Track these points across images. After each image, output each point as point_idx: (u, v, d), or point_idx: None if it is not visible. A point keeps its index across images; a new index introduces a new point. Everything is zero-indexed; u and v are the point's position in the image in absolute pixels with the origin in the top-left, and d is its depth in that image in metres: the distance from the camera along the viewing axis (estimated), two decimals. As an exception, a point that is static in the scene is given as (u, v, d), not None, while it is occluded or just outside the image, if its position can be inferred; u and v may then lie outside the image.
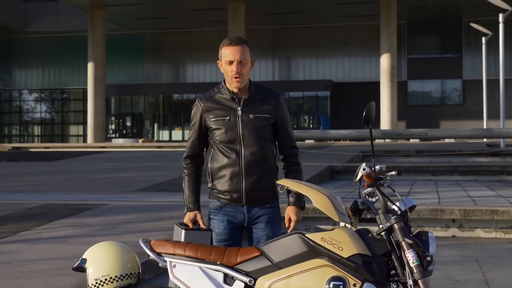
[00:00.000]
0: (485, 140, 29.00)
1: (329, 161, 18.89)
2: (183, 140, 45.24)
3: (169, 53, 48.14)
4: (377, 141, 31.57)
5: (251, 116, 3.87)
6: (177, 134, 48.26)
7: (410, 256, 3.13)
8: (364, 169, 3.26)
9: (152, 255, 3.34)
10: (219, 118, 3.85)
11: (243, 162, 3.84)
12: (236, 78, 3.84)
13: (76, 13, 43.52)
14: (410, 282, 3.13)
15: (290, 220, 3.96)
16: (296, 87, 46.69)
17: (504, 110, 27.27)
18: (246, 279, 3.17)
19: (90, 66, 40.18)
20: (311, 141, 30.43)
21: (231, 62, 3.84)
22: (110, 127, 48.13)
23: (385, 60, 36.30)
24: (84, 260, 3.36)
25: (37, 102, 51.70)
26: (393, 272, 3.22)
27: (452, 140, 29.65)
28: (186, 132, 48.27)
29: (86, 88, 42.68)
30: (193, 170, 3.99)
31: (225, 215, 3.90)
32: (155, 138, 47.85)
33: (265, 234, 3.89)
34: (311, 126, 46.64)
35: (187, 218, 3.91)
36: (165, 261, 3.32)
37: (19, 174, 17.30)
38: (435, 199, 11.81)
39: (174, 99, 49.67)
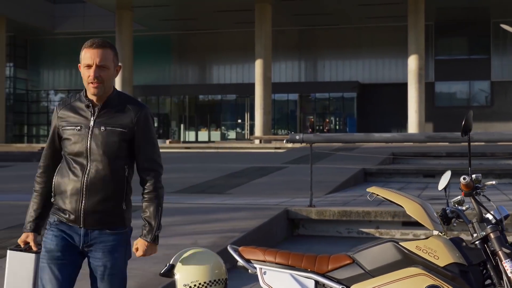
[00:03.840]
0: (516, 142, 28.65)
1: (360, 163, 18.84)
2: (209, 141, 45.34)
3: (195, 54, 48.26)
4: (405, 144, 31.37)
5: (102, 128, 3.46)
6: (203, 135, 48.37)
7: (508, 266, 3.11)
8: (464, 178, 3.25)
9: (241, 262, 3.34)
10: (71, 127, 3.49)
11: (85, 179, 3.42)
12: (92, 83, 3.43)
13: (103, 14, 43.77)
14: None
15: (136, 250, 3.55)
16: (322, 88, 46.58)
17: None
18: (338, 287, 3.16)
19: (118, 67, 40.32)
20: (339, 144, 30.32)
21: (89, 66, 3.44)
22: (136, 128, 48.28)
23: (412, 61, 36.07)
24: (172, 266, 3.39)
25: (64, 102, 51.99)
26: (488, 281, 3.20)
27: (482, 143, 29.35)
28: (213, 133, 48.49)
29: (113, 89, 42.80)
30: (42, 187, 3.57)
31: (60, 231, 3.48)
32: (182, 139, 47.96)
33: (102, 265, 3.44)
34: (337, 127, 46.52)
35: (21, 238, 3.56)
36: (255, 268, 3.32)
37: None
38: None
39: (200, 100, 49.81)
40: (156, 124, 49.43)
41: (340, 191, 13.85)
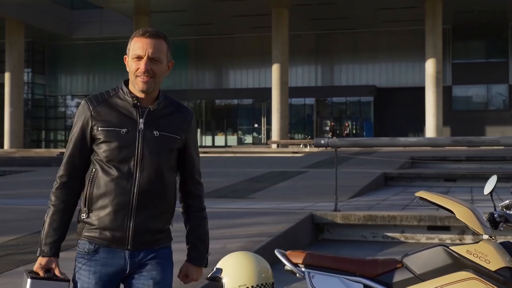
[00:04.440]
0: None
1: (379, 168, 18.81)
2: (226, 146, 45.41)
3: (212, 59, 48.39)
4: (424, 148, 31.26)
5: (155, 133, 2.94)
6: (219, 139, 48.47)
7: (558, 270, 3.11)
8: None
9: (289, 266, 3.36)
10: (112, 128, 2.92)
11: (136, 191, 2.88)
12: (142, 77, 2.93)
13: (121, 20, 43.99)
14: None
15: (185, 277, 3.15)
16: (339, 92, 46.55)
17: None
18: (388, 291, 3.18)
19: (135, 72, 40.54)
20: (357, 148, 30.24)
21: (139, 58, 2.94)
22: (154, 133, 48.50)
23: (430, 65, 35.97)
24: (220, 270, 3.40)
25: (81, 108, 52.37)
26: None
27: (502, 147, 29.20)
28: (229, 138, 48.53)
29: (131, 94, 43.09)
30: (63, 200, 2.94)
31: (98, 264, 2.90)
32: (198, 144, 48.02)
33: (151, 278, 2.94)
34: (354, 132, 46.44)
35: (38, 264, 2.90)
36: (303, 272, 3.33)
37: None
38: None
39: (216, 105, 49.92)
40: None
41: (363, 195, 13.84)
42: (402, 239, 10.17)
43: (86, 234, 2.93)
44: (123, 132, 2.91)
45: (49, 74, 51.69)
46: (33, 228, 8.94)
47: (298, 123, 48.08)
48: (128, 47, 3.00)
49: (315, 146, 11.88)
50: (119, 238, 2.89)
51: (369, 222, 10.07)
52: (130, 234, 2.88)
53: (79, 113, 2.99)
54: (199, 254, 3.13)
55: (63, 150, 41.13)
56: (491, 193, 3.33)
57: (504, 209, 3.39)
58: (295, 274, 3.35)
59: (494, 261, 3.09)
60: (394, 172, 18.37)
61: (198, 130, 49.40)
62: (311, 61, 46.65)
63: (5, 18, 41.75)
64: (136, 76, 2.94)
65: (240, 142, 48.07)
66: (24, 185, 17.07)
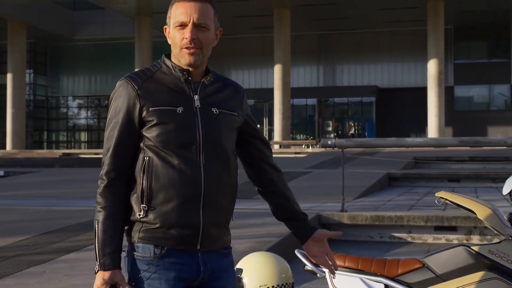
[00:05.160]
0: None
1: (382, 168, 18.82)
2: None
3: (214, 59, 48.03)
4: (427, 148, 31.25)
5: (214, 110, 2.53)
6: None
7: None
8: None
9: (310, 266, 3.37)
10: (166, 107, 2.46)
11: (203, 179, 2.44)
12: (188, 48, 2.50)
13: (123, 20, 44.05)
14: None
15: (320, 243, 2.69)
16: (340, 92, 46.55)
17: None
18: (409, 291, 3.19)
19: (137, 73, 40.57)
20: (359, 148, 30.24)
21: (183, 25, 2.51)
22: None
23: (432, 66, 35.97)
24: (240, 270, 3.41)
25: (83, 108, 52.41)
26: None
27: (504, 147, 29.18)
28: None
29: (133, 95, 43.18)
30: (115, 201, 2.45)
31: (171, 269, 2.43)
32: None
33: None
34: (356, 132, 46.43)
35: (100, 280, 2.40)
36: (324, 272, 3.35)
37: (81, 180, 17.54)
38: None
39: (218, 105, 49.94)
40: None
41: (368, 195, 13.86)
42: (409, 239, 10.19)
43: (147, 235, 2.44)
44: (179, 111, 2.47)
45: (51, 75, 51.70)
46: (40, 229, 8.97)
47: (300, 124, 48.06)
48: (168, 14, 2.60)
49: (322, 147, 11.90)
50: (189, 237, 2.43)
51: (376, 222, 10.08)
52: (201, 230, 2.44)
53: (120, 95, 2.52)
54: (306, 225, 2.73)
55: (65, 151, 41.21)
56: (510, 193, 3.34)
57: (525, 210, 3.40)
58: (316, 274, 3.37)
59: (516, 261, 3.10)
60: (398, 173, 18.39)
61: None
62: (313, 61, 46.65)
63: (7, 19, 41.79)
64: (181, 48, 2.51)
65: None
66: (28, 186, 17.11)
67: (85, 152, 36.70)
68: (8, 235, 8.46)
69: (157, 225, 2.42)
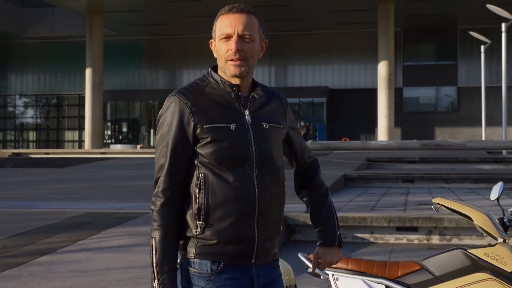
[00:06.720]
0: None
1: (336, 169, 19.11)
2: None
3: (166, 59, 48.24)
4: (379, 150, 31.76)
5: (265, 125, 2.55)
6: (173, 140, 48.30)
7: None
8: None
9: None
10: (219, 124, 2.48)
11: (258, 195, 2.48)
12: (233, 60, 2.52)
13: (74, 19, 43.55)
14: None
15: (319, 262, 2.82)
16: (292, 93, 46.79)
17: (506, 117, 27.60)
18: (409, 292, 3.37)
19: (88, 72, 40.22)
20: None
21: (228, 37, 2.53)
22: (106, 133, 48.13)
23: (382, 67, 36.60)
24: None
25: (32, 107, 51.62)
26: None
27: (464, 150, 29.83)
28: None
29: (82, 94, 42.85)
30: (172, 219, 2.48)
31: (227, 285, 2.48)
32: (151, 144, 47.89)
33: None
34: (307, 133, 46.84)
35: None
36: (327, 274, 3.49)
37: (38, 181, 17.38)
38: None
39: (170, 105, 49.75)
40: (125, 129, 49.34)
41: (327, 196, 14.06)
42: (372, 239, 10.43)
43: (203, 251, 2.46)
44: (232, 127, 2.48)
45: (-2, 73, 50.84)
46: (8, 231, 8.92)
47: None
48: (213, 28, 2.62)
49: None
50: (245, 252, 2.47)
51: (340, 223, 10.25)
52: (256, 245, 2.48)
53: (173, 111, 2.50)
54: (329, 233, 2.78)
55: (15, 150, 40.44)
56: (497, 199, 3.54)
57: (514, 214, 3.61)
58: (319, 276, 3.50)
59: (510, 262, 3.31)
60: (354, 174, 18.68)
61: (151, 131, 49.23)
62: (264, 62, 46.91)
63: (-46, 16, 40.94)
64: (227, 59, 2.53)
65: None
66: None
67: (35, 152, 36.16)
68: (-24, 238, 8.40)
69: (214, 242, 2.45)
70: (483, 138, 33.20)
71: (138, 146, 41.68)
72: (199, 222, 2.45)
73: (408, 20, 42.59)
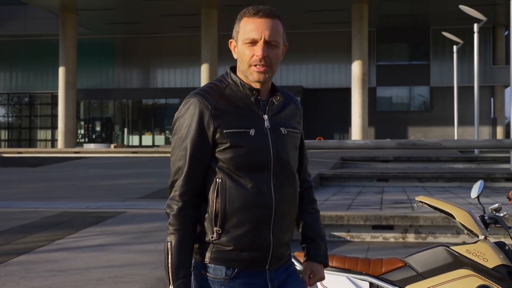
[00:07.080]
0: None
1: (311, 168, 19.19)
2: (154, 145, 45.18)
3: (139, 58, 48.05)
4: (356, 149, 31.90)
5: (283, 130, 2.51)
6: (147, 139, 48.18)
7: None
8: (513, 190, 3.52)
9: (298, 265, 3.54)
10: (239, 130, 2.42)
11: (275, 202, 2.45)
12: (257, 66, 2.45)
13: (46, 17, 43.19)
14: None
15: (310, 277, 2.73)
16: (266, 92, 46.99)
17: (478, 117, 27.92)
18: (392, 288, 3.42)
19: (61, 71, 39.91)
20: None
21: (254, 42, 2.45)
22: (79, 132, 47.82)
23: (356, 67, 36.81)
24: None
25: (4, 106, 51.09)
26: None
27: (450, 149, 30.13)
28: (157, 137, 48.26)
29: (55, 93, 42.50)
30: (188, 223, 2.44)
31: None
32: (125, 143, 47.67)
33: None
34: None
35: None
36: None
37: (13, 181, 17.23)
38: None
39: (143, 104, 49.61)
40: (98, 128, 49.07)
41: (303, 195, 14.12)
42: (348, 238, 10.49)
43: (218, 256, 2.45)
44: (251, 133, 2.43)
45: (-31, 71, 50.25)
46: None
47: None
48: (235, 29, 2.51)
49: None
50: (260, 258, 2.45)
51: (317, 222, 10.33)
52: (271, 250, 2.46)
53: (192, 113, 2.44)
54: (322, 250, 2.72)
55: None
56: (478, 197, 3.61)
57: (494, 212, 3.67)
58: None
59: (491, 259, 3.38)
60: (329, 172, 18.77)
61: (125, 130, 48.99)
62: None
63: None
64: (251, 65, 2.45)
65: (168, 141, 47.91)
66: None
67: (7, 151, 35.81)
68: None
69: (230, 248, 2.43)
70: (456, 138, 33.57)
71: (112, 145, 41.46)
72: (215, 228, 2.43)
73: (382, 20, 42.89)
